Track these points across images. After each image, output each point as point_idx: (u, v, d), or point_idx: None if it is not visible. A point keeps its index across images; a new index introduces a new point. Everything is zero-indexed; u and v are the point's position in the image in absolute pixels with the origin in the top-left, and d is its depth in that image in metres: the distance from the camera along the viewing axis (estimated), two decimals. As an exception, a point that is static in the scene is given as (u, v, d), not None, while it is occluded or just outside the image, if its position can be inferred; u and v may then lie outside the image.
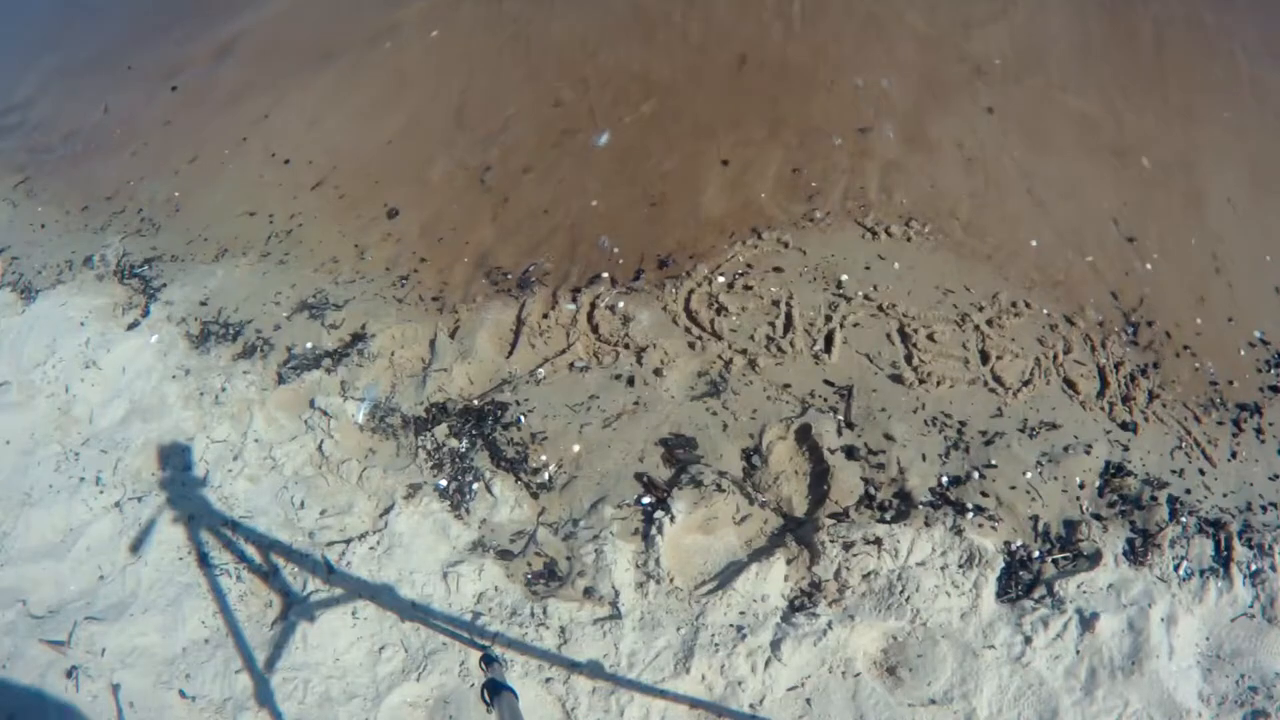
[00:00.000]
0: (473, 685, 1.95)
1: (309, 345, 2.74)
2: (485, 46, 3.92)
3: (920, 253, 2.75)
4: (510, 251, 2.95)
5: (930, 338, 2.50)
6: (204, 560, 2.26)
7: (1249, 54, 3.36)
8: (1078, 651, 1.88)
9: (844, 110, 3.29)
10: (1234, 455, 2.22)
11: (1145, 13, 3.55)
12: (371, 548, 2.20)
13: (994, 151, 3.07)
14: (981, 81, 3.35)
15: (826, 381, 2.43)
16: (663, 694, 1.89)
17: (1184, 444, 2.24)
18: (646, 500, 2.22)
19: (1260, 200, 2.85)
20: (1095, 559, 2.01)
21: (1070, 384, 2.38)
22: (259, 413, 2.56)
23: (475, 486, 2.30)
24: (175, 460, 2.50)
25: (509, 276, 2.85)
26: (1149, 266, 2.67)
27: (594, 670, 1.93)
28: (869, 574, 2.02)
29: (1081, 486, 2.16)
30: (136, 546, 2.31)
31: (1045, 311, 2.56)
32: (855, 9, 3.73)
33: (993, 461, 2.21)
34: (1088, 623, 1.90)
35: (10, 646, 2.16)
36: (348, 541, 2.23)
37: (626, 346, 2.58)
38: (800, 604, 2.00)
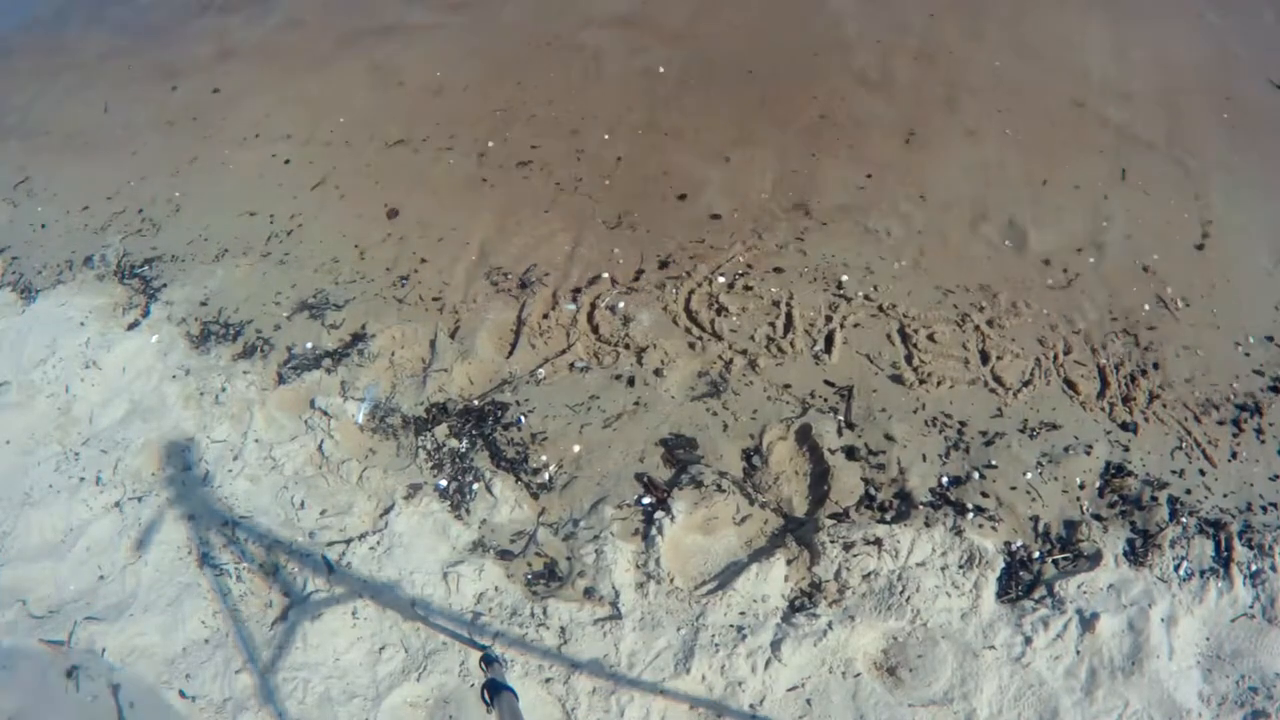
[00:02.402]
0: (473, 685, 1.95)
1: (309, 345, 2.74)
2: (485, 48, 3.92)
3: (921, 253, 2.76)
4: (511, 252, 2.95)
5: (930, 338, 2.51)
6: (204, 560, 2.26)
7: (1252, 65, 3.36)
8: (1078, 652, 1.88)
9: (845, 108, 3.29)
10: (1234, 455, 2.22)
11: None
12: (371, 548, 2.20)
13: (996, 152, 3.07)
14: (982, 80, 3.36)
15: (827, 382, 2.43)
16: (663, 694, 1.89)
17: (1184, 444, 2.24)
18: (646, 500, 2.22)
19: (1262, 199, 2.85)
20: (1095, 559, 2.01)
21: (1070, 384, 2.38)
22: (259, 413, 2.56)
23: (475, 487, 2.30)
24: (175, 460, 2.50)
25: (509, 276, 2.85)
26: (1149, 266, 2.67)
27: (594, 670, 1.93)
28: (869, 574, 2.02)
29: (1082, 487, 2.16)
30: (137, 546, 2.31)
31: (1045, 312, 2.56)
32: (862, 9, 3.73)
33: (993, 462, 2.21)
34: (1088, 623, 1.90)
35: (10, 646, 2.16)
36: (348, 541, 2.23)
37: (627, 347, 2.58)
38: (800, 604, 2.00)
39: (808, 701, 1.87)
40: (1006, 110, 3.22)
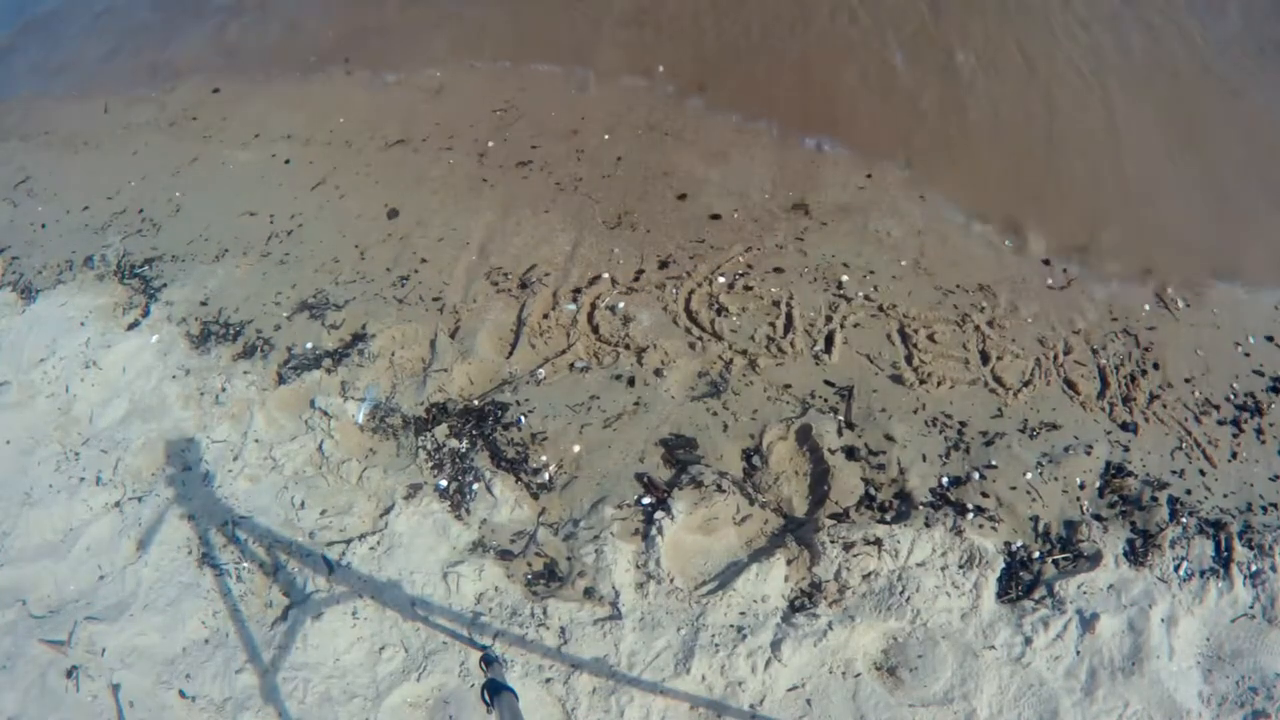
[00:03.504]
0: (473, 685, 1.95)
1: (309, 345, 2.74)
2: (485, 48, 3.92)
3: (921, 253, 2.75)
4: (511, 252, 2.95)
5: (931, 338, 2.50)
6: (204, 560, 2.26)
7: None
8: (1078, 652, 1.88)
9: (845, 107, 3.29)
10: (1234, 456, 2.22)
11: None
12: (372, 548, 2.20)
13: (996, 150, 3.07)
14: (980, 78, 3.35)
15: (827, 382, 2.43)
16: (663, 694, 1.89)
17: (1184, 444, 2.24)
18: (647, 500, 2.22)
19: (1263, 200, 2.85)
20: (1095, 559, 2.01)
21: (1070, 384, 2.38)
22: (259, 413, 2.56)
23: (475, 487, 2.30)
24: (175, 460, 2.50)
25: (509, 276, 2.85)
26: (1150, 265, 2.66)
27: (594, 670, 1.93)
28: (869, 574, 2.02)
29: (1082, 487, 2.16)
30: (137, 546, 2.31)
31: (1045, 311, 2.56)
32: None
33: (993, 462, 2.21)
34: (1088, 623, 1.90)
35: (10, 646, 2.16)
36: (348, 542, 2.23)
37: (627, 347, 2.58)
38: (800, 604, 2.00)
39: (808, 702, 1.87)
40: (1005, 108, 3.21)
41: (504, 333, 2.69)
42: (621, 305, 2.69)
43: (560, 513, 2.24)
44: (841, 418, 2.33)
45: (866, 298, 2.63)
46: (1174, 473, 2.18)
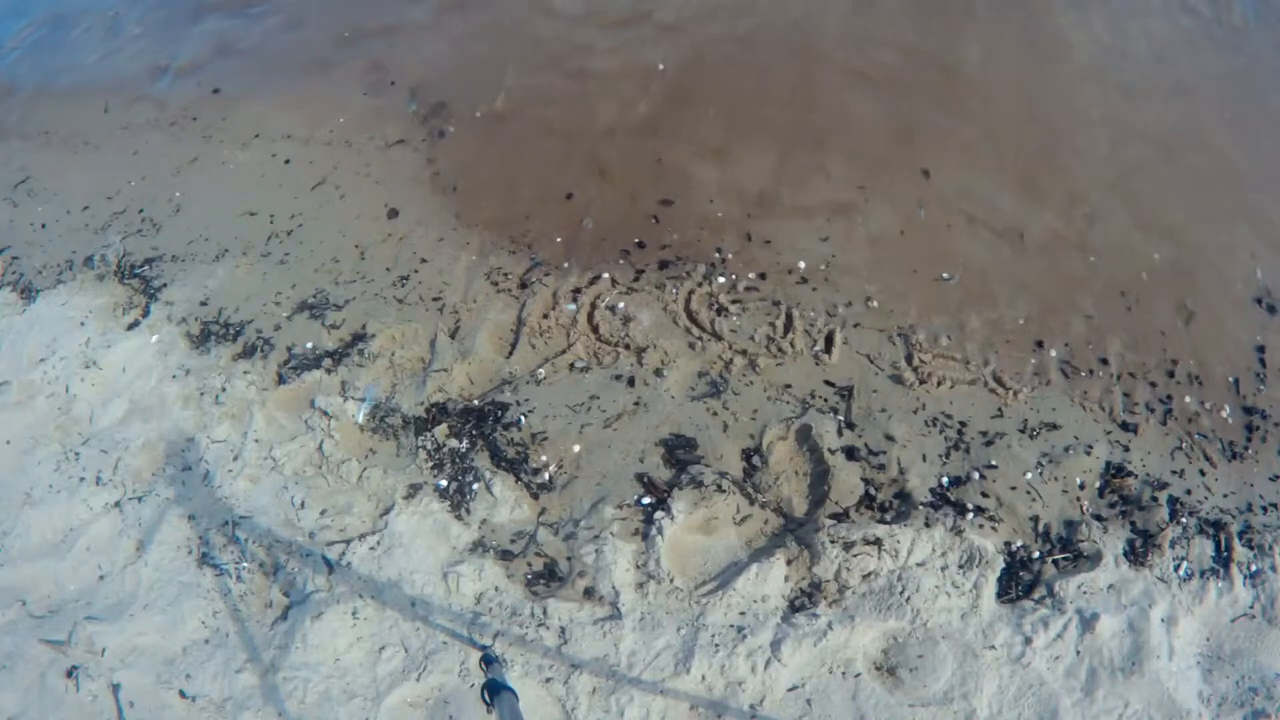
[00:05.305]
0: (473, 685, 1.95)
1: (309, 345, 2.74)
2: (485, 48, 3.92)
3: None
4: (511, 251, 2.95)
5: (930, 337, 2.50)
6: (204, 560, 2.26)
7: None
8: (1078, 652, 1.88)
9: (845, 107, 3.29)
10: (1234, 456, 2.22)
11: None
12: (371, 548, 2.20)
13: (995, 149, 3.07)
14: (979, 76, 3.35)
15: (827, 382, 2.43)
16: (663, 694, 1.89)
17: (1185, 444, 2.24)
18: (647, 500, 2.22)
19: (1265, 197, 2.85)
20: (1095, 559, 2.02)
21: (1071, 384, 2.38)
22: (259, 413, 2.56)
23: (475, 487, 2.30)
24: (175, 460, 2.50)
25: (509, 276, 2.85)
26: (1151, 266, 2.66)
27: (594, 670, 1.93)
28: (869, 574, 2.02)
29: (1082, 487, 2.16)
30: (137, 546, 2.31)
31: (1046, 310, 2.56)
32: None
33: (993, 462, 2.21)
34: (1088, 623, 1.90)
35: (10, 646, 2.16)
36: (348, 542, 2.23)
37: (627, 347, 2.58)
38: (800, 604, 2.00)
39: (808, 702, 1.87)
40: (1004, 106, 3.21)
41: (504, 333, 2.69)
42: (621, 305, 2.69)
43: (560, 513, 2.24)
44: (841, 418, 2.33)
45: (866, 297, 2.63)
46: (1174, 473, 2.18)
